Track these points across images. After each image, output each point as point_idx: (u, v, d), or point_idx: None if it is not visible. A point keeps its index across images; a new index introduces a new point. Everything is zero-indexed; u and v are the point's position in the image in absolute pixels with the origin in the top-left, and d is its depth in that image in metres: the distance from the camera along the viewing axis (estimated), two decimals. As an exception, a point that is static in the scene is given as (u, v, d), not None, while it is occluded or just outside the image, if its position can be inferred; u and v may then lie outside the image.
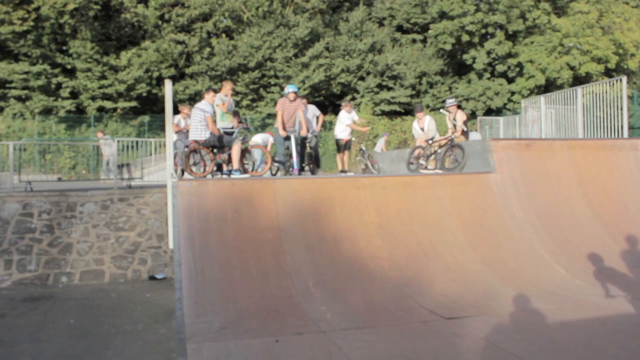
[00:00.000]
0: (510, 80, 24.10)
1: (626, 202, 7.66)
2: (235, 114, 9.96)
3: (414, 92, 24.28)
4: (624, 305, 5.08)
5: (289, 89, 9.03)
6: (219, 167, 7.94)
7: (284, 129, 8.85)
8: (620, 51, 22.63)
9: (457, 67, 25.37)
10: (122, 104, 21.66)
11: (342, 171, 10.40)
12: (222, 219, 6.05)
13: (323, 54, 22.82)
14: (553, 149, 8.00)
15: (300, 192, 6.59)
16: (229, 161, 7.79)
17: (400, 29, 26.11)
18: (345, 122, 10.41)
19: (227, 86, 8.95)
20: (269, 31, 22.20)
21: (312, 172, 9.60)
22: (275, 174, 9.52)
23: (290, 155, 8.91)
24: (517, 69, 23.74)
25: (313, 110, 10.05)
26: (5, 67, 19.77)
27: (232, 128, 8.62)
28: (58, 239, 9.34)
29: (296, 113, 9.00)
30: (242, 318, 4.90)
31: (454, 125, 9.21)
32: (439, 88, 24.55)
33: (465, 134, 9.27)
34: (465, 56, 23.78)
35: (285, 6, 23.12)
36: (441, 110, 10.33)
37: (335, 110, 25.07)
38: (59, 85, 21.01)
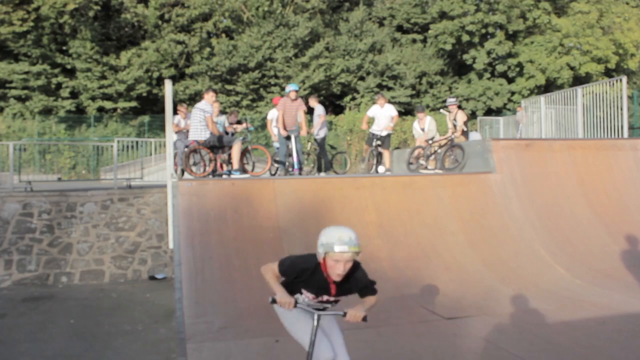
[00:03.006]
0: (511, 80, 24.10)
1: (626, 202, 7.65)
2: (233, 113, 9.96)
3: (414, 92, 24.28)
4: (624, 305, 5.08)
5: (290, 87, 8.95)
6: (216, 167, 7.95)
7: (285, 128, 8.82)
8: (621, 51, 22.63)
9: (457, 67, 25.37)
10: (122, 104, 21.66)
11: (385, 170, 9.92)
12: (222, 219, 6.05)
13: (323, 54, 22.83)
14: (553, 149, 7.99)
15: (300, 192, 6.59)
16: (229, 161, 7.79)
17: (400, 29, 26.11)
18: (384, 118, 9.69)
19: (233, 118, 9.75)
20: (269, 31, 22.20)
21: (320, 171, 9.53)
22: (275, 174, 9.52)
23: (290, 155, 8.87)
24: (517, 69, 23.73)
25: (321, 110, 9.89)
26: (5, 67, 19.77)
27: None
28: (58, 239, 9.34)
29: (297, 113, 8.97)
30: (242, 318, 4.90)
31: (454, 126, 9.20)
32: (439, 88, 24.55)
33: (465, 134, 9.26)
34: (465, 56, 23.79)
35: (285, 6, 23.12)
36: (441, 110, 10.19)
37: (336, 110, 25.09)
38: (58, 85, 21.01)
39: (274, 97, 22.30)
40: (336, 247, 2.44)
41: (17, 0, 18.88)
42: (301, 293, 2.75)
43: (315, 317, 2.58)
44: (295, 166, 8.67)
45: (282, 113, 8.82)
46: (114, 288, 9.00)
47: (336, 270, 2.49)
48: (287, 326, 2.93)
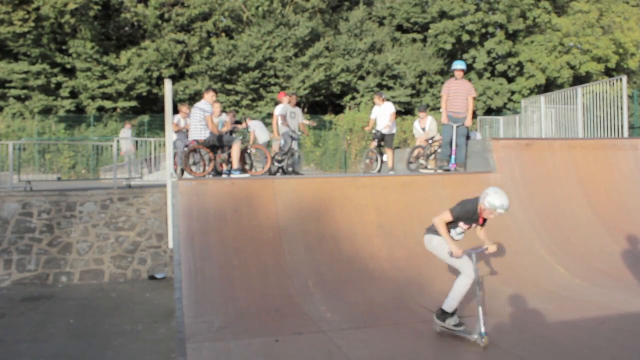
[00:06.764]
0: (511, 80, 24.10)
1: (626, 201, 7.65)
2: (231, 113, 9.91)
3: (414, 92, 24.28)
4: (624, 305, 5.08)
5: (457, 65, 8.10)
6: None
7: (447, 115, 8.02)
8: (621, 50, 22.63)
9: (457, 66, 25.35)
10: (121, 104, 21.65)
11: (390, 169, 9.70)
12: (221, 219, 6.05)
13: (323, 53, 22.81)
14: (553, 149, 7.99)
15: (300, 192, 6.58)
16: (229, 160, 7.79)
17: (400, 28, 26.10)
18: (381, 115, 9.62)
19: (231, 118, 9.59)
20: (269, 31, 22.19)
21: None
22: (275, 174, 9.50)
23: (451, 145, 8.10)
24: (517, 69, 23.73)
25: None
26: (5, 66, 19.74)
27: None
28: (57, 239, 9.33)
29: (466, 97, 7.95)
30: (242, 318, 4.90)
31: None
32: (439, 87, 24.52)
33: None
34: (465, 56, 23.77)
35: (285, 5, 23.10)
36: (441, 110, 10.17)
37: (336, 110, 25.10)
38: (58, 85, 20.99)
39: (274, 96, 22.32)
40: (499, 210, 4.19)
41: (17, 0, 18.85)
42: (457, 226, 4.43)
43: (474, 256, 4.24)
44: (452, 161, 8.10)
45: (446, 98, 8.11)
46: (113, 288, 8.99)
47: (489, 216, 4.33)
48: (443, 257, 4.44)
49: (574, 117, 11.59)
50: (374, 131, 9.83)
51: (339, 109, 24.90)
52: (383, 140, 9.67)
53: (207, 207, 6.13)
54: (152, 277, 9.64)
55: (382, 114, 9.64)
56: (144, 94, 21.77)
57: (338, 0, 25.84)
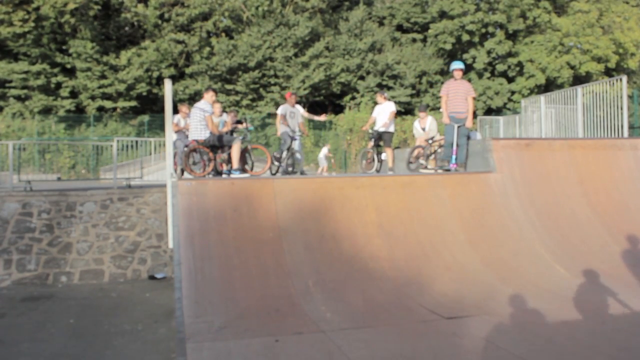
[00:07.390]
0: (511, 80, 24.11)
1: (626, 201, 7.64)
2: (232, 113, 9.90)
3: (414, 92, 24.30)
4: (624, 305, 5.07)
5: (455, 65, 8.11)
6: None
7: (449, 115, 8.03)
8: (621, 50, 22.64)
9: (457, 66, 25.36)
10: (121, 104, 21.66)
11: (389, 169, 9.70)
12: (221, 219, 6.05)
13: (323, 53, 22.83)
14: (553, 149, 7.98)
15: (299, 192, 6.58)
16: (229, 160, 7.79)
17: (400, 28, 26.12)
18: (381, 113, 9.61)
19: (232, 117, 9.45)
20: (269, 31, 22.20)
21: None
22: (275, 173, 9.50)
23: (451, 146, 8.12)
24: (517, 69, 23.74)
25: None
26: (5, 66, 19.76)
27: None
28: (58, 239, 9.33)
29: (466, 97, 7.96)
30: (242, 317, 4.90)
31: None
32: (439, 87, 24.54)
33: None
34: (465, 56, 23.79)
35: (285, 5, 23.11)
36: (441, 110, 10.18)
37: (336, 110, 25.10)
38: (58, 85, 21.00)
39: (274, 96, 22.34)
40: None
41: (17, 0, 18.86)
42: None
43: None
44: (452, 161, 8.11)
45: (446, 99, 8.16)
46: (113, 288, 8.99)
47: None
48: None
49: (574, 117, 11.59)
50: (370, 131, 9.84)
51: (339, 109, 24.91)
52: (381, 139, 9.67)
53: (207, 207, 6.13)
54: (152, 277, 9.64)
55: (382, 112, 9.64)
56: (144, 94, 21.78)
57: (338, 0, 25.85)
